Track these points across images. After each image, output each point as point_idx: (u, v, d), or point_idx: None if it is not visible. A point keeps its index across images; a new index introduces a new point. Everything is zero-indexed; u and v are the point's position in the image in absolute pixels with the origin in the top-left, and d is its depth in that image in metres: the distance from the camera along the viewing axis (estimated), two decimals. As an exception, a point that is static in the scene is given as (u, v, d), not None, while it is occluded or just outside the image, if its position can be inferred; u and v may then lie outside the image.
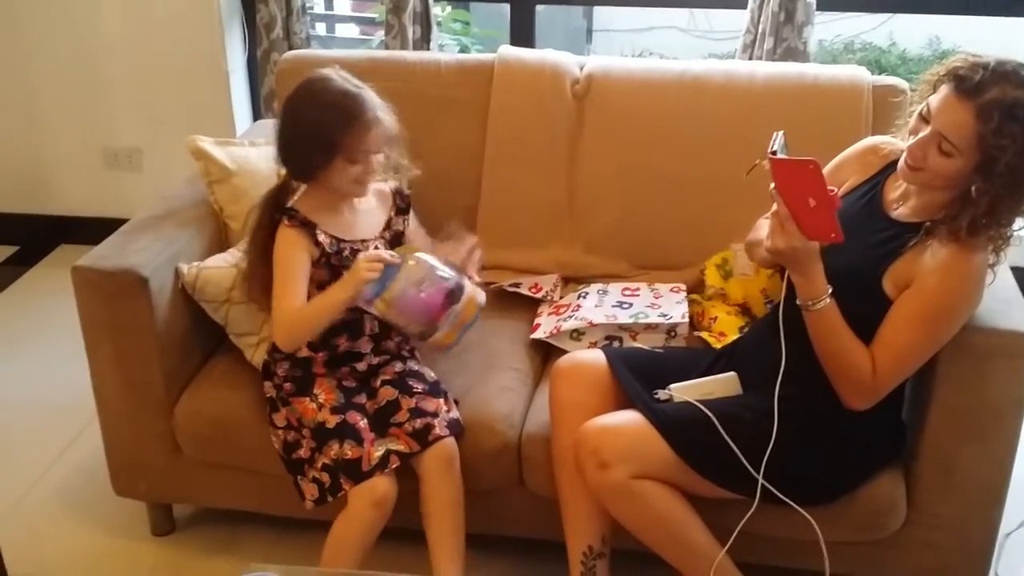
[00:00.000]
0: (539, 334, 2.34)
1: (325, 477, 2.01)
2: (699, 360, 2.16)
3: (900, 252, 1.90)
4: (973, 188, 1.80)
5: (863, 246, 1.93)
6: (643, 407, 1.97)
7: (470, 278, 2.08)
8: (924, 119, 1.84)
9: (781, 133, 1.84)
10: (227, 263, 2.24)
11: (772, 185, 1.81)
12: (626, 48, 5.46)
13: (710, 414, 1.93)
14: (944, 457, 2.01)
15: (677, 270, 2.52)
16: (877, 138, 2.11)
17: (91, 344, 2.21)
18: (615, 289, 2.44)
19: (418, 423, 2.05)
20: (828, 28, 5.41)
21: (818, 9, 3.07)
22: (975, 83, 1.76)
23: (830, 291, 1.86)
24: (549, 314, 2.41)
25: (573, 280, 2.57)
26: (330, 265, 2.07)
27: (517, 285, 2.51)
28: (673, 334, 2.30)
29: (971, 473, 2.01)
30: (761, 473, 1.89)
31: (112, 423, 2.30)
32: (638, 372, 2.07)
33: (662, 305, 2.35)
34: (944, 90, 1.81)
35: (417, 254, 2.02)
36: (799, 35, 3.06)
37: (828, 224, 1.78)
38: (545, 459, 2.09)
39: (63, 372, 2.96)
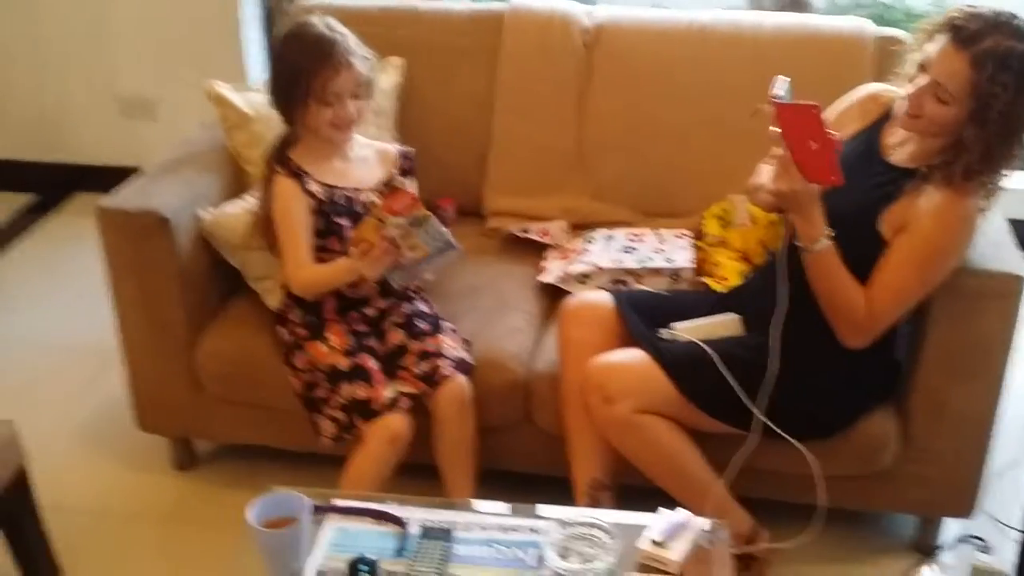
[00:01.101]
0: (547, 277, 2.42)
1: (341, 416, 2.10)
2: (702, 303, 2.23)
3: (896, 196, 1.96)
4: (967, 135, 1.87)
5: (861, 190, 2.00)
6: (647, 345, 2.05)
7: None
8: (922, 68, 1.90)
9: (787, 79, 1.89)
10: (243, 209, 2.31)
11: (774, 128, 1.86)
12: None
13: (711, 351, 2.01)
14: (936, 394, 2.09)
15: (681, 217, 2.59)
16: (876, 85, 2.17)
17: (115, 283, 2.29)
18: (621, 234, 2.51)
19: (425, 366, 2.13)
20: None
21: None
22: (971, 33, 1.82)
23: (830, 233, 1.93)
24: (557, 259, 2.48)
25: (580, 226, 2.64)
26: (323, 212, 2.16)
27: (526, 230, 2.58)
28: (677, 278, 2.37)
29: (962, 410, 2.09)
30: (761, 409, 1.98)
31: (136, 361, 2.38)
32: (643, 313, 2.15)
33: (667, 250, 2.42)
34: (941, 40, 1.86)
35: (418, 240, 2.05)
36: (804, -13, 3.11)
37: (829, 167, 1.84)
38: (552, 396, 2.17)
39: (84, 314, 3.06)
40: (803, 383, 2.03)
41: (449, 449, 2.18)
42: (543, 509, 1.73)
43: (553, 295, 2.43)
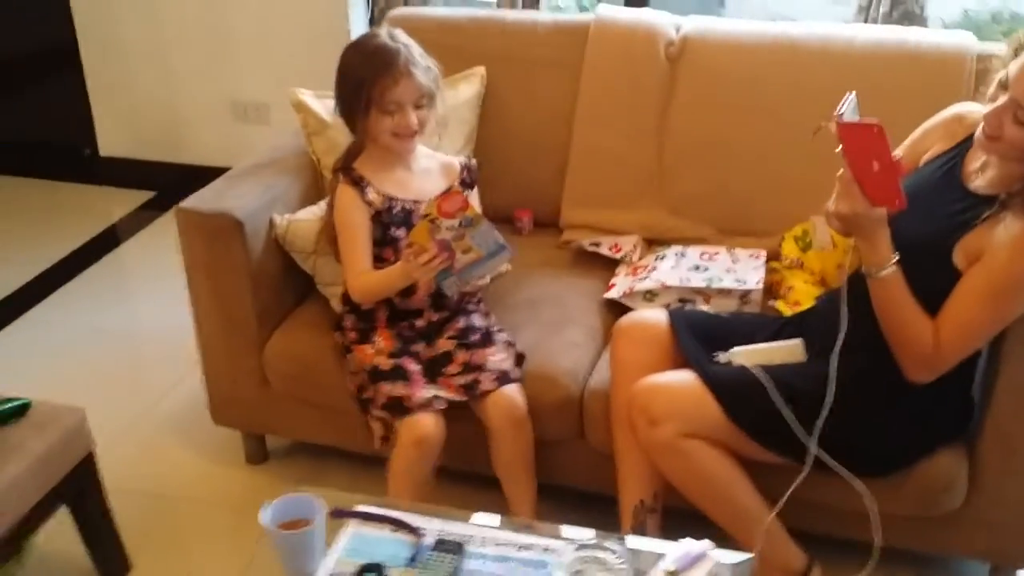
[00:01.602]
0: (613, 293, 2.38)
1: (385, 415, 2.12)
2: (766, 326, 2.16)
3: (973, 224, 1.85)
4: None
5: (936, 217, 1.90)
6: (698, 367, 2.00)
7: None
8: (1003, 86, 1.79)
9: (853, 94, 1.82)
10: (315, 216, 2.36)
11: (838, 148, 1.80)
12: (759, 12, 5.33)
13: (764, 378, 1.94)
14: (1008, 437, 1.96)
15: (760, 237, 2.51)
16: (963, 106, 2.05)
17: (192, 281, 2.38)
18: (693, 252, 2.45)
19: (468, 378, 2.13)
20: (977, -3, 5.15)
21: (937, -26, 2.97)
22: None
23: (896, 259, 1.83)
24: (626, 274, 2.45)
25: (656, 242, 2.59)
26: (380, 222, 2.18)
27: (597, 244, 2.56)
28: (746, 300, 2.30)
29: (1036, 457, 1.96)
30: (814, 439, 1.89)
31: (211, 356, 2.47)
32: (701, 334, 2.10)
33: (738, 270, 2.36)
34: (1023, 57, 1.75)
35: (469, 251, 2.05)
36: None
37: (892, 190, 1.76)
38: (604, 415, 2.14)
39: (185, 309, 3.18)
40: (862, 416, 1.94)
41: (505, 462, 2.18)
42: (565, 530, 1.70)
43: (618, 312, 2.38)
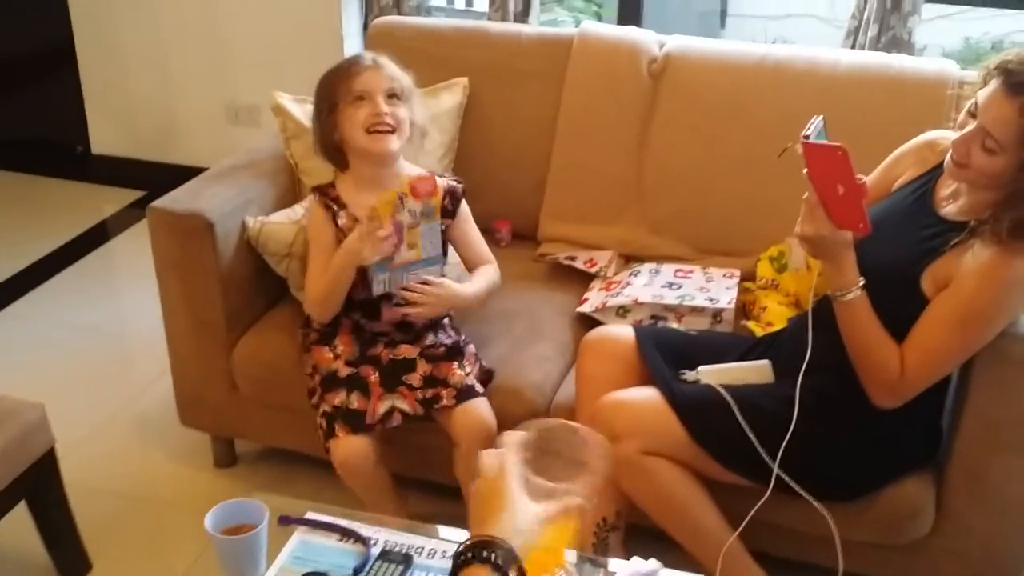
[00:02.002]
0: (585, 308, 2.37)
1: (324, 423, 2.10)
2: (735, 346, 2.14)
3: (942, 251, 1.84)
4: (1016, 188, 1.74)
5: (907, 242, 1.89)
6: (662, 385, 1.98)
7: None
8: (972, 114, 1.78)
9: (821, 118, 1.81)
10: (289, 219, 2.35)
11: (804, 170, 1.79)
12: (760, 35, 5.35)
13: (728, 396, 1.92)
14: (976, 465, 1.94)
15: (737, 257, 2.49)
16: (935, 132, 2.04)
17: (163, 282, 2.37)
18: (668, 269, 2.44)
19: (428, 392, 2.10)
20: (978, 25, 5.15)
21: (926, 1, 2.97)
22: (1023, 79, 1.69)
23: (861, 283, 1.82)
24: (600, 289, 2.43)
25: (633, 258, 2.58)
26: None
27: (572, 258, 2.54)
28: (719, 319, 2.29)
29: (1004, 484, 1.94)
30: (776, 462, 1.87)
31: (179, 358, 2.46)
32: (669, 352, 2.08)
33: (711, 289, 2.34)
34: (992, 85, 1.75)
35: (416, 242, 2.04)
36: (904, 24, 2.96)
37: (856, 213, 1.75)
38: (572, 429, 2.12)
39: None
40: (828, 440, 1.92)
41: (463, 478, 2.14)
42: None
43: (591, 327, 2.36)
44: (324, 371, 2.15)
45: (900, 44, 2.98)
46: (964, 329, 1.82)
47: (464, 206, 2.25)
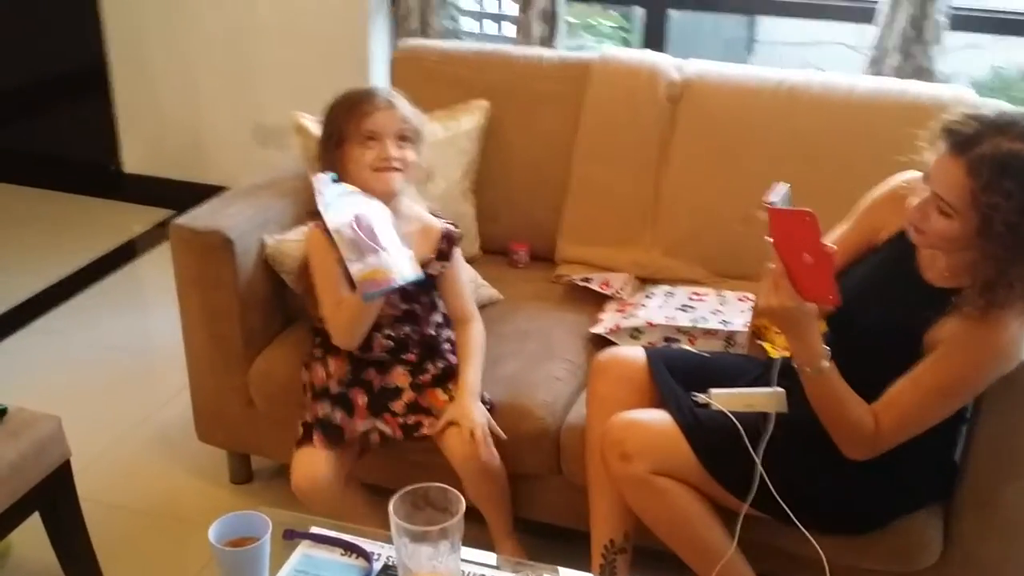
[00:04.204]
0: (599, 328, 2.37)
1: (302, 430, 2.13)
2: (749, 368, 2.13)
3: (935, 320, 1.78)
4: (978, 251, 1.69)
5: (898, 309, 1.84)
6: (673, 407, 1.98)
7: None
8: (926, 178, 1.74)
9: (786, 185, 1.75)
10: (305, 236, 2.37)
11: (768, 237, 1.73)
12: (788, 62, 5.33)
13: (739, 424, 1.90)
14: (986, 493, 1.93)
15: (753, 281, 2.47)
16: (911, 175, 1.91)
17: (183, 298, 2.41)
18: (682, 292, 2.44)
19: (411, 419, 2.13)
20: (1008, 55, 5.11)
21: (952, 29, 2.96)
22: (967, 137, 1.65)
23: (829, 354, 1.77)
24: (614, 311, 2.44)
25: (648, 281, 2.58)
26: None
27: (588, 280, 2.55)
28: (732, 342, 2.28)
29: (1014, 512, 1.92)
30: (779, 492, 1.85)
31: (197, 373, 2.48)
32: (681, 373, 2.07)
33: (725, 312, 2.34)
34: (940, 147, 1.70)
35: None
36: (927, 53, 2.95)
37: (824, 284, 1.66)
38: (582, 450, 2.12)
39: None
40: (837, 475, 1.89)
41: (475, 499, 2.14)
42: (502, 561, 1.70)
43: (604, 347, 2.37)
44: (318, 386, 2.18)
45: (923, 73, 2.96)
46: (946, 398, 1.79)
47: (458, 252, 2.24)
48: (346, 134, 2.11)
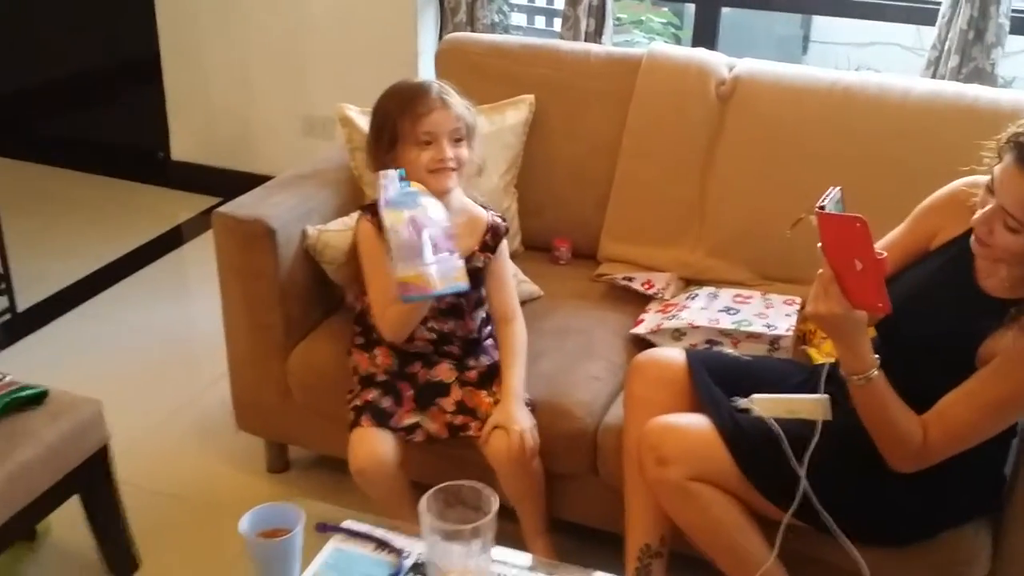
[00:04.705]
0: (640, 329, 2.34)
1: (352, 415, 2.12)
2: (792, 373, 2.09)
3: (991, 331, 1.74)
4: None
5: (953, 318, 1.80)
6: (713, 412, 1.94)
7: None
8: (989, 189, 1.68)
9: (838, 189, 1.71)
10: (347, 226, 2.35)
11: (819, 244, 1.69)
12: (842, 62, 5.26)
13: (780, 431, 1.86)
14: (1035, 513, 1.86)
15: (800, 284, 2.42)
16: (968, 179, 1.88)
17: (224, 286, 2.41)
18: (726, 294, 2.40)
19: (459, 419, 2.12)
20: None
21: (1011, 33, 2.88)
22: None
23: (878, 364, 1.73)
24: (656, 312, 2.40)
25: (692, 282, 2.54)
26: None
27: (630, 279, 2.52)
28: (776, 346, 2.24)
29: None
30: (821, 502, 1.81)
31: (237, 362, 2.49)
32: (721, 377, 2.03)
33: (770, 315, 2.29)
34: (1006, 160, 1.64)
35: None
36: (987, 56, 2.88)
37: (874, 292, 1.62)
38: (619, 452, 2.08)
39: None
40: (881, 487, 1.85)
41: (509, 496, 2.14)
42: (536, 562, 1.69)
43: (644, 348, 2.34)
44: (364, 372, 2.18)
45: (982, 76, 2.89)
46: (1000, 414, 1.75)
47: (504, 245, 2.23)
48: (400, 133, 2.09)
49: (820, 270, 1.69)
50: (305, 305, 2.42)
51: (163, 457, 2.68)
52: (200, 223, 4.00)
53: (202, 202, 4.14)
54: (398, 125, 2.08)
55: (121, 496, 2.23)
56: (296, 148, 4.05)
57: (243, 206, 2.36)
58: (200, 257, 3.78)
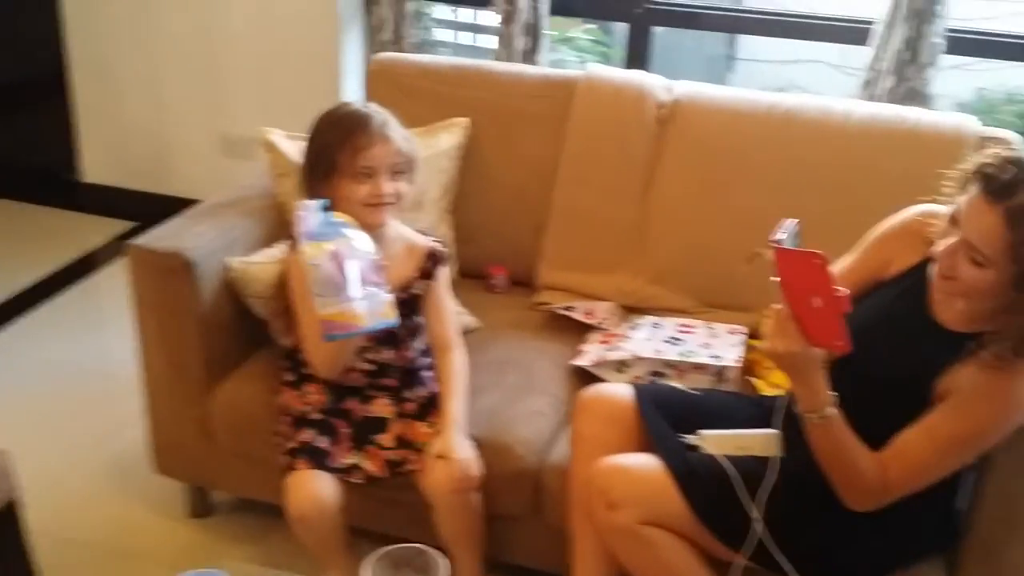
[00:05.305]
0: (582, 361, 2.25)
1: (285, 459, 2.01)
2: (741, 408, 2.02)
3: (949, 366, 1.69)
4: (1012, 303, 1.59)
5: (908, 353, 1.74)
6: (663, 452, 1.86)
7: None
8: (953, 222, 1.63)
9: (795, 221, 1.65)
10: (273, 259, 2.23)
11: (775, 278, 1.62)
12: (769, 80, 5.27)
13: (733, 472, 1.80)
14: (994, 543, 1.83)
15: (743, 311, 2.38)
16: (924, 207, 1.83)
17: (139, 321, 2.27)
18: (670, 323, 2.33)
19: (396, 454, 2.03)
20: (992, 76, 5.07)
21: (948, 53, 2.88)
22: (1004, 183, 1.55)
23: (835, 401, 1.67)
24: (599, 342, 2.32)
25: (633, 310, 2.47)
26: None
27: (570, 308, 2.43)
28: (723, 378, 2.17)
29: (1020, 573, 1.81)
30: (775, 543, 1.75)
31: (155, 402, 2.34)
32: (670, 412, 1.96)
33: (716, 345, 2.23)
34: (972, 191, 1.60)
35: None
36: (921, 75, 2.87)
37: (833, 329, 1.57)
38: (564, 492, 2.00)
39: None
40: (834, 526, 1.79)
41: (444, 535, 2.05)
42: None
43: (588, 381, 2.25)
44: (296, 412, 2.06)
45: (917, 96, 2.88)
46: (961, 450, 1.70)
47: (444, 272, 2.14)
48: (337, 165, 1.98)
49: (777, 305, 1.63)
50: (228, 342, 2.29)
51: (77, 503, 2.51)
52: (114, 249, 3.81)
53: (116, 227, 3.96)
54: (336, 156, 1.97)
55: (32, 551, 2.06)
56: (215, 169, 3.90)
57: (160, 238, 2.21)
58: (114, 285, 3.58)
